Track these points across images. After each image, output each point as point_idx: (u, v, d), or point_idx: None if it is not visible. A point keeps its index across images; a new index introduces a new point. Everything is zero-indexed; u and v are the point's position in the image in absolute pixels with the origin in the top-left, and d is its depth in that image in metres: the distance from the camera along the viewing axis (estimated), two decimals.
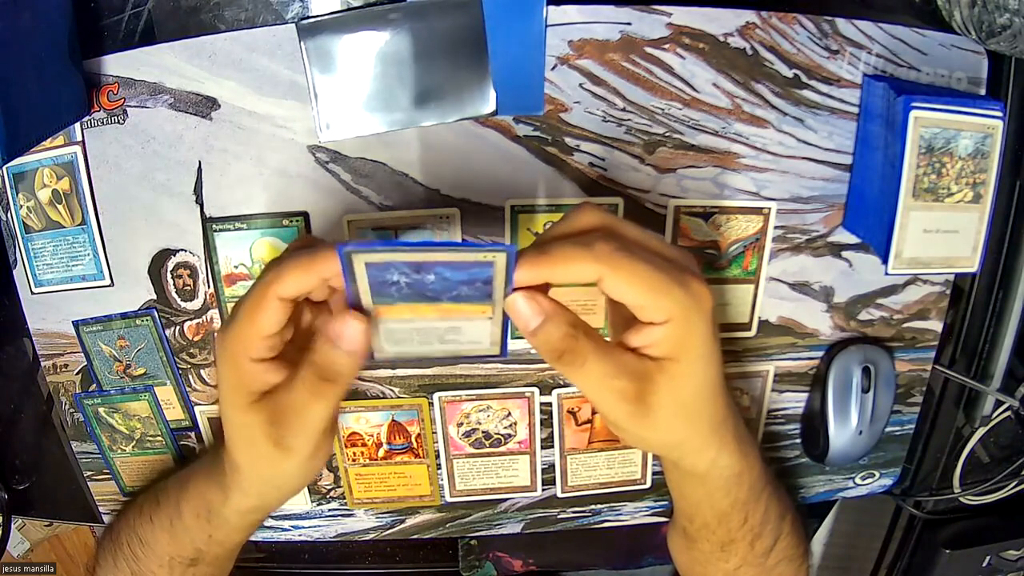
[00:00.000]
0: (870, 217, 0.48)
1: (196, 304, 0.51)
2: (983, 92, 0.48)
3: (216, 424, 0.54)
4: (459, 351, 0.35)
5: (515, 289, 0.31)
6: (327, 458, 0.38)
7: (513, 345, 0.51)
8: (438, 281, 0.31)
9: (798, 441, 0.59)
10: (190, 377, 0.53)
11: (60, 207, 0.48)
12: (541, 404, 0.54)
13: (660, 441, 0.36)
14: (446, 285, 0.31)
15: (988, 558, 0.59)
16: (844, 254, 0.52)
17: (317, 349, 0.32)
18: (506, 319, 0.34)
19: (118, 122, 0.46)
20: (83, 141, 0.47)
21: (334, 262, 0.30)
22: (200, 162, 0.47)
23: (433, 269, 0.30)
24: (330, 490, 0.57)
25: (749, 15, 0.45)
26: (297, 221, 0.48)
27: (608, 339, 0.34)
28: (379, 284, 0.31)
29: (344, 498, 0.58)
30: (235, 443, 0.36)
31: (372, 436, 0.55)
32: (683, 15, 0.45)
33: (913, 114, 0.43)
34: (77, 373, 0.53)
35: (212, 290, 0.50)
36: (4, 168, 0.48)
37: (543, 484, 0.58)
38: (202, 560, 0.44)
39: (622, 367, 0.32)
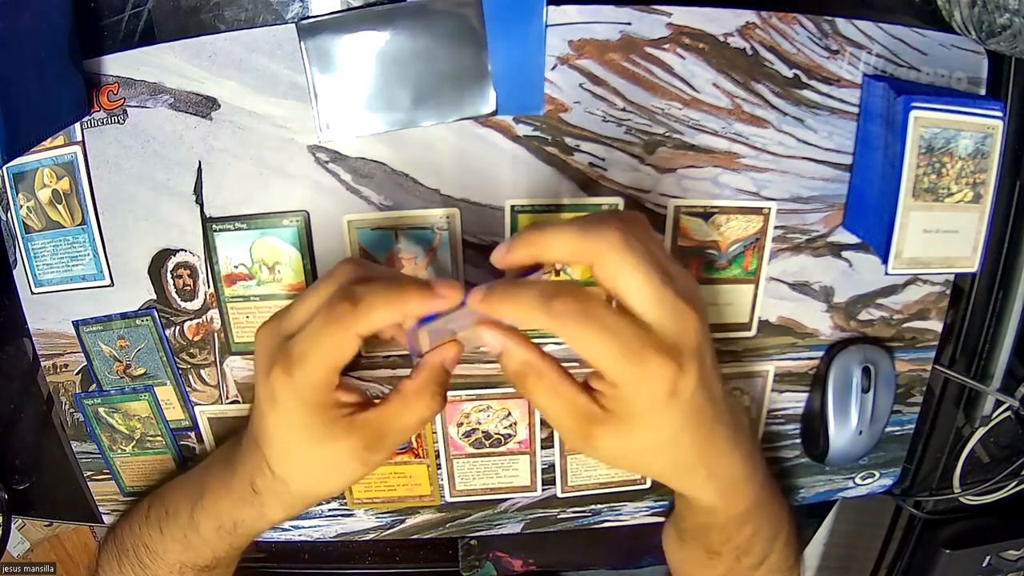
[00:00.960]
0: (870, 217, 0.48)
1: (196, 304, 0.51)
2: (983, 92, 0.48)
3: (216, 425, 0.54)
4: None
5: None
6: None
7: None
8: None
9: (798, 441, 0.59)
10: (190, 377, 0.53)
11: (60, 207, 0.48)
12: None
13: (619, 468, 0.37)
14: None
15: (988, 558, 0.59)
16: (844, 254, 0.52)
17: (441, 379, 0.36)
18: None
19: (118, 122, 0.46)
20: (83, 141, 0.47)
21: (425, 302, 0.33)
22: (200, 162, 0.47)
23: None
24: None
25: (749, 15, 0.45)
26: (297, 221, 0.48)
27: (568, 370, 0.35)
28: (439, 337, 0.36)
29: (344, 498, 0.58)
30: (308, 471, 0.37)
31: None
32: (683, 15, 0.45)
33: (913, 114, 0.43)
34: (77, 373, 0.53)
35: (212, 290, 0.50)
36: (4, 168, 0.48)
37: (543, 484, 0.58)
38: (219, 565, 0.45)
39: (570, 407, 0.33)
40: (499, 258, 0.34)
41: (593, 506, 0.59)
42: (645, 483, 0.58)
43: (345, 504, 0.58)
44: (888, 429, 0.56)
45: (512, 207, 0.48)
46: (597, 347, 0.30)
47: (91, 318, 0.51)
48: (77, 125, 0.46)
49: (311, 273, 0.49)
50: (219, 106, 0.46)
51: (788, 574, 0.48)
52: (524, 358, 0.33)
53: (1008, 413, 0.57)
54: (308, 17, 0.44)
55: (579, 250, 0.31)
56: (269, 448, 0.37)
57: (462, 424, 0.55)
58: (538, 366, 0.33)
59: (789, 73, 0.47)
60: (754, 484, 0.39)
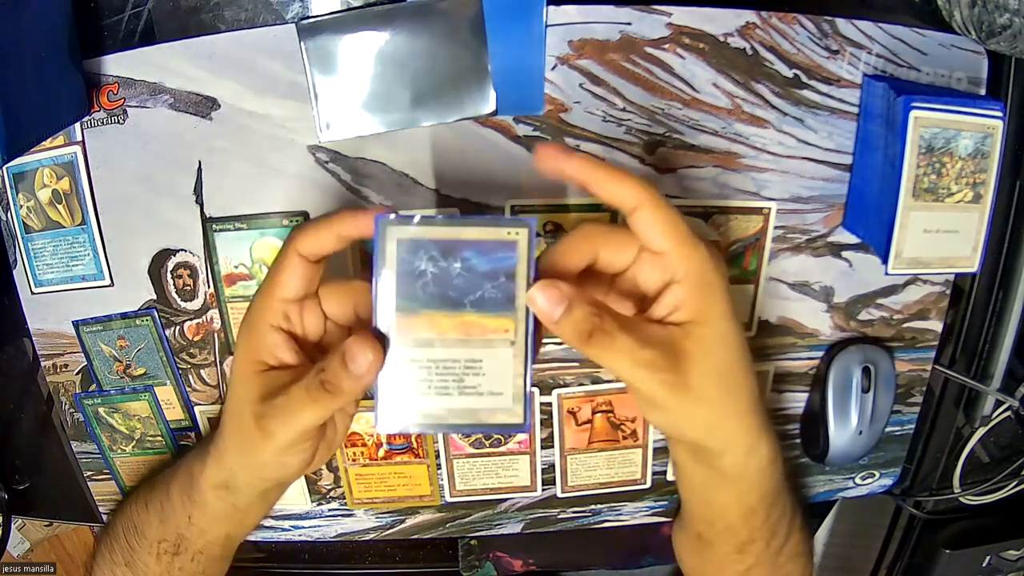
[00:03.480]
0: (870, 217, 0.48)
1: (196, 304, 0.51)
2: (983, 92, 0.48)
3: (216, 423, 0.54)
4: (479, 413, 0.34)
5: (536, 279, 0.32)
6: (307, 466, 0.38)
7: None
8: (464, 272, 0.31)
9: (798, 441, 0.59)
10: (190, 377, 0.53)
11: (60, 207, 0.48)
12: (541, 404, 0.54)
13: (701, 418, 0.35)
14: (470, 280, 0.32)
15: (988, 558, 0.59)
16: (844, 254, 0.52)
17: (330, 359, 0.33)
18: (526, 376, 0.33)
19: (118, 122, 0.46)
20: (83, 141, 0.47)
21: (352, 222, 0.32)
22: (200, 162, 0.47)
23: (460, 253, 0.31)
24: (330, 490, 0.57)
25: (749, 15, 0.45)
26: (297, 221, 0.48)
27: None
28: (407, 276, 0.31)
29: (344, 498, 0.58)
30: (228, 406, 0.37)
31: (372, 436, 0.55)
32: (683, 15, 0.45)
33: (913, 114, 0.43)
34: (77, 373, 0.53)
35: (212, 290, 0.50)
36: (4, 168, 0.48)
37: (543, 484, 0.58)
38: (185, 550, 0.43)
39: (649, 337, 0.32)
40: (550, 154, 0.32)
41: (593, 506, 0.59)
42: (645, 483, 0.58)
43: (345, 504, 0.58)
44: (888, 429, 0.56)
45: (512, 207, 0.48)
46: (678, 222, 0.32)
47: (91, 318, 0.51)
48: (77, 125, 0.46)
49: None
50: (219, 106, 0.46)
51: (805, 559, 0.48)
52: (593, 300, 0.32)
53: (1008, 413, 0.57)
54: (308, 17, 0.44)
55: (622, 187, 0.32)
56: (229, 377, 0.38)
57: None
58: (607, 308, 0.33)
59: (789, 73, 0.47)
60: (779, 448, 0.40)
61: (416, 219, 0.31)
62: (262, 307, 0.35)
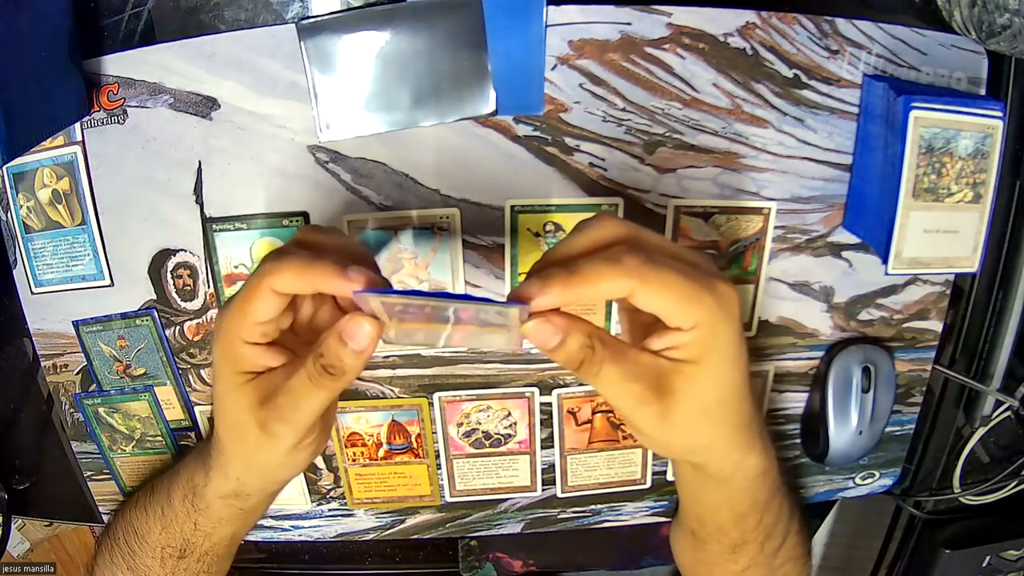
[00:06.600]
0: (870, 217, 0.48)
1: (196, 304, 0.51)
2: (983, 92, 0.48)
3: (211, 434, 0.54)
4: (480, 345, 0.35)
5: (530, 315, 0.32)
6: (313, 457, 0.38)
7: None
8: (454, 315, 0.32)
9: (798, 441, 0.59)
10: (190, 377, 0.53)
11: (60, 207, 0.48)
12: (541, 404, 0.54)
13: (684, 445, 0.35)
14: (460, 317, 0.32)
15: (988, 558, 0.59)
16: (844, 254, 0.52)
17: (326, 343, 0.32)
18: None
19: (118, 122, 0.46)
20: (83, 141, 0.47)
21: (331, 280, 0.31)
22: (200, 162, 0.47)
23: (449, 309, 0.31)
24: (330, 490, 0.57)
25: (749, 15, 0.45)
26: (297, 221, 0.48)
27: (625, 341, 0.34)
28: (395, 314, 0.32)
29: (344, 498, 0.58)
30: (222, 421, 0.37)
31: (372, 436, 0.55)
32: (683, 15, 0.45)
33: (913, 114, 0.43)
34: (77, 373, 0.53)
35: (212, 290, 0.50)
36: (4, 168, 0.48)
37: (543, 484, 0.58)
38: (191, 553, 0.44)
39: (638, 370, 0.32)
40: (536, 291, 0.31)
41: (593, 506, 0.59)
42: (645, 483, 0.58)
43: (345, 504, 0.58)
44: (888, 429, 0.56)
45: (512, 207, 0.48)
46: (675, 283, 0.30)
47: (91, 318, 0.51)
48: (77, 125, 0.46)
49: None
50: (219, 106, 0.46)
51: (803, 561, 0.48)
52: (588, 330, 0.32)
53: (1008, 413, 0.57)
54: (308, 17, 0.44)
55: (617, 277, 0.31)
56: (213, 392, 0.37)
57: (462, 424, 0.55)
58: (603, 335, 0.32)
59: (789, 73, 0.47)
60: (774, 451, 0.40)
61: (395, 294, 0.30)
62: (234, 327, 0.34)
